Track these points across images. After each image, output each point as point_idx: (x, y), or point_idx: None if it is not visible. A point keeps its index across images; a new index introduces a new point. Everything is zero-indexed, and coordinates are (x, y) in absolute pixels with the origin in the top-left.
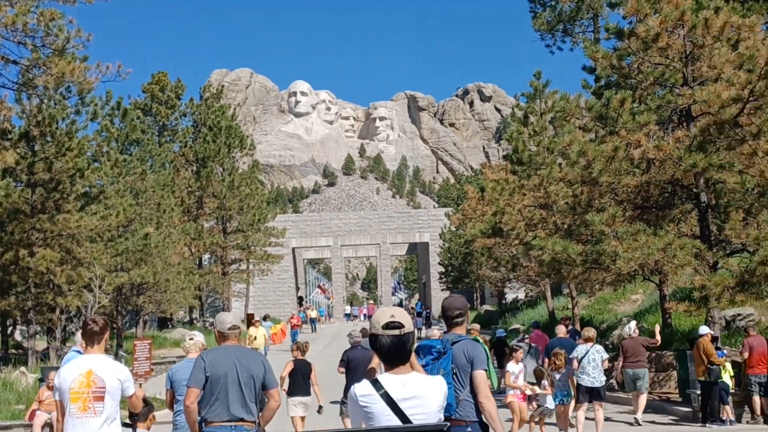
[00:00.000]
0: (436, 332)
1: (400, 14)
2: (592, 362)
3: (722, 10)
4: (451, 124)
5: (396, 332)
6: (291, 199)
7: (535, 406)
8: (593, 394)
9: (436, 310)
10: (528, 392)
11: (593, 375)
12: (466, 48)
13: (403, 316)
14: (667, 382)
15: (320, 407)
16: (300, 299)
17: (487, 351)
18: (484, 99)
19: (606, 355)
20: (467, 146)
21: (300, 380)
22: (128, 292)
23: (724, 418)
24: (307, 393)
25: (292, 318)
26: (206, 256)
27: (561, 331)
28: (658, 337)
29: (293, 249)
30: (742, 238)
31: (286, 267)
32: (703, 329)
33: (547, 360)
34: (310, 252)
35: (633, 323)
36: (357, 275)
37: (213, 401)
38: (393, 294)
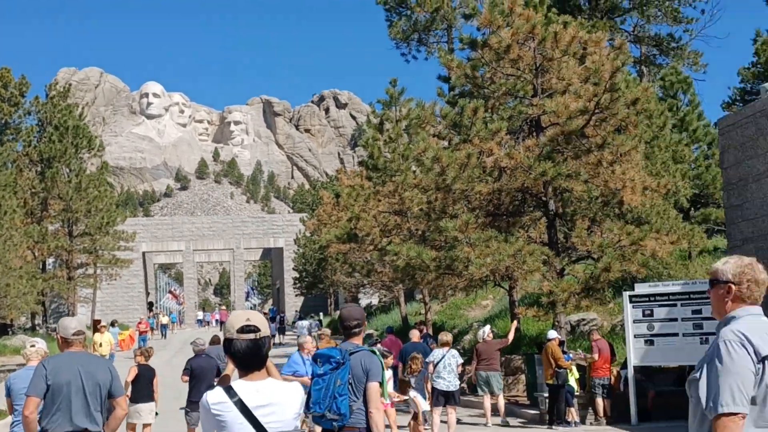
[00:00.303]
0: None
1: (255, 18)
2: (447, 366)
3: (570, 25)
4: (307, 130)
5: (251, 336)
6: (142, 202)
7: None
8: (448, 398)
9: (290, 315)
10: (395, 400)
11: (448, 379)
12: (322, 55)
13: (259, 320)
14: (516, 386)
15: (156, 413)
16: (150, 305)
17: (383, 362)
18: (340, 106)
19: (460, 360)
20: (322, 152)
21: (144, 386)
22: None
23: (569, 420)
24: (151, 399)
25: (140, 324)
26: (51, 260)
27: (415, 335)
28: (511, 335)
29: (144, 253)
30: (587, 246)
31: (135, 272)
32: (551, 334)
33: (401, 364)
34: (161, 256)
35: (487, 327)
36: (210, 281)
37: (54, 411)
38: (246, 299)
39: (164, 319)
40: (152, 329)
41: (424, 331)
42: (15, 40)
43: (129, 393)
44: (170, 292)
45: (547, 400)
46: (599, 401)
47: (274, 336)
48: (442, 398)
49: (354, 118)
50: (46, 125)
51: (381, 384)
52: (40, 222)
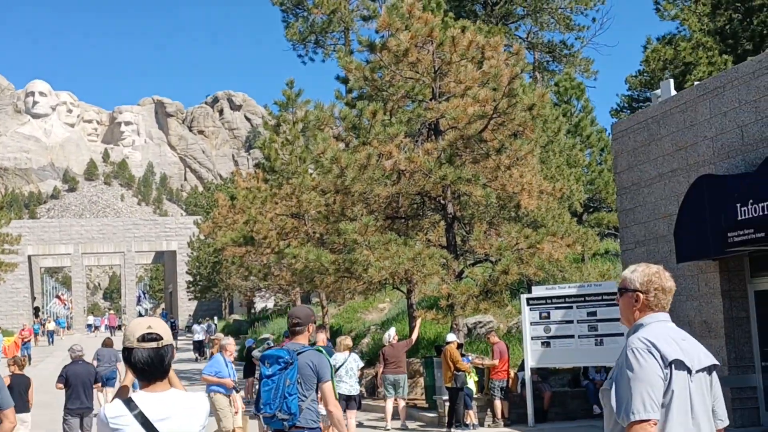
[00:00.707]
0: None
1: (147, 15)
2: (349, 371)
3: (468, 29)
4: (200, 132)
5: (153, 345)
6: (27, 204)
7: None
8: (349, 402)
9: (183, 319)
10: None
11: (350, 383)
12: (216, 55)
13: (162, 328)
14: (414, 389)
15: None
16: (36, 310)
17: (330, 361)
18: (234, 107)
19: (361, 363)
20: (216, 154)
21: (17, 397)
22: None
23: (467, 422)
24: (26, 410)
25: (22, 331)
26: None
27: (321, 338)
28: (415, 335)
29: (29, 257)
30: (486, 249)
31: (20, 276)
32: (450, 336)
33: None
34: (48, 260)
35: (393, 330)
36: (99, 284)
37: None
38: (138, 303)
39: (51, 325)
40: (37, 335)
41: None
42: None
43: None
44: (57, 296)
45: (446, 403)
46: (497, 403)
47: None
48: (344, 402)
49: (249, 120)
50: None
51: (332, 381)
52: None
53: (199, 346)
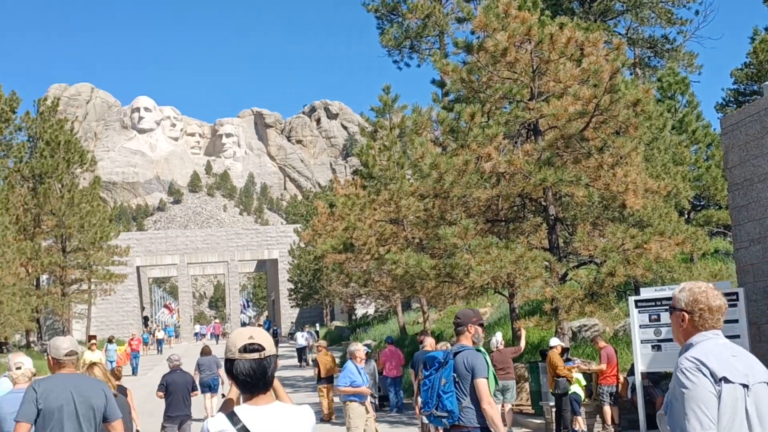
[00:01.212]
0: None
1: (245, 30)
2: None
3: (566, 26)
4: (299, 141)
5: (255, 356)
6: (135, 217)
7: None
8: None
9: (286, 327)
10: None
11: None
12: (313, 65)
13: (264, 338)
14: (520, 394)
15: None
16: (145, 319)
17: (488, 360)
18: (331, 116)
19: None
20: (315, 163)
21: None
22: None
23: (576, 428)
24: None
25: (131, 341)
26: (45, 277)
27: (430, 343)
28: (523, 342)
29: (138, 268)
30: (590, 250)
31: (130, 286)
32: (554, 341)
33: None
34: (155, 270)
35: (499, 335)
36: (204, 293)
37: None
38: (242, 312)
39: (159, 334)
40: (146, 344)
41: (423, 340)
42: (4, 58)
43: None
44: (166, 306)
45: (552, 409)
46: (606, 409)
47: None
48: None
49: (345, 128)
50: (38, 141)
51: (488, 380)
52: (32, 238)
53: (301, 353)
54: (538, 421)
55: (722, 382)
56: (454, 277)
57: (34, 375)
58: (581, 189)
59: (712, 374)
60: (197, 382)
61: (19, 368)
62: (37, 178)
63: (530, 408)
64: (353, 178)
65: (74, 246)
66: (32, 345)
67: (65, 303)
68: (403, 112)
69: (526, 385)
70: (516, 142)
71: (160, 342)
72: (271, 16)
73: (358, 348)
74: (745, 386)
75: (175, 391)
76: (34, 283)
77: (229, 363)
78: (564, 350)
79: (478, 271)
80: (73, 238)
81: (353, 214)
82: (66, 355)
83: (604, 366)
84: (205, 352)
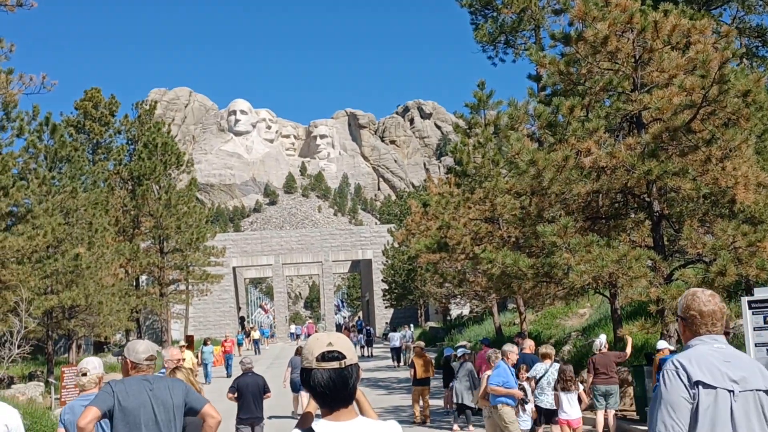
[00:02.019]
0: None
1: (338, 31)
2: (552, 382)
3: (671, 13)
4: (392, 142)
5: (335, 365)
6: (232, 218)
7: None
8: (550, 417)
9: (379, 327)
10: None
11: (552, 396)
12: (406, 65)
13: (344, 344)
14: (623, 399)
15: None
16: (242, 320)
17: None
18: (425, 116)
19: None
20: (408, 163)
21: None
22: (59, 315)
23: None
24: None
25: (225, 342)
26: (144, 277)
27: (529, 345)
28: (629, 349)
29: (234, 268)
30: (698, 248)
31: (226, 287)
32: (661, 344)
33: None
34: (251, 271)
35: (603, 338)
36: (300, 294)
37: None
38: (336, 312)
39: (255, 335)
40: (241, 345)
41: (521, 343)
42: (108, 64)
43: None
44: (261, 306)
45: None
46: None
47: (363, 348)
48: (545, 417)
49: (439, 127)
50: (136, 144)
51: None
52: (131, 239)
53: (396, 353)
54: (643, 428)
55: (698, 386)
56: (553, 276)
57: (101, 378)
58: (688, 182)
59: (688, 379)
60: (289, 381)
61: (84, 374)
62: (136, 181)
63: (635, 414)
64: (447, 177)
65: (172, 247)
66: None
67: (163, 303)
68: (499, 107)
69: (630, 390)
70: (617, 136)
71: (256, 342)
72: (363, 17)
73: (512, 349)
74: (731, 392)
75: (246, 394)
76: (134, 284)
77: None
78: (672, 353)
79: (578, 270)
80: (171, 239)
81: (447, 212)
82: (146, 359)
83: None
84: (299, 352)
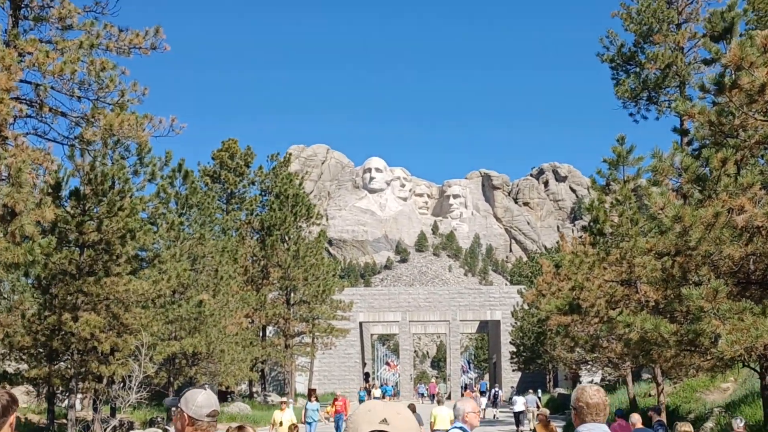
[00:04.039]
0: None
1: (472, 91)
2: None
3: None
4: (525, 204)
5: None
6: (363, 274)
7: None
8: None
9: (506, 391)
10: None
11: None
12: (541, 126)
13: (403, 425)
14: None
15: None
16: (366, 375)
17: None
18: (559, 179)
19: None
20: (541, 226)
21: None
22: (182, 362)
23: None
24: None
25: (336, 401)
26: (270, 328)
27: (636, 419)
28: None
29: (360, 323)
30: None
31: (352, 341)
32: None
33: None
34: (378, 327)
35: (741, 419)
36: (427, 353)
37: None
38: (462, 373)
39: (376, 392)
40: (361, 402)
41: (656, 418)
42: (249, 122)
43: None
44: (387, 363)
45: None
46: None
47: (485, 410)
48: None
49: (574, 191)
50: (268, 194)
51: None
52: (259, 289)
53: (518, 418)
54: None
55: None
56: (698, 345)
57: None
58: None
59: None
60: None
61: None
62: (266, 231)
63: None
64: (581, 236)
65: (298, 298)
66: (255, 395)
67: (287, 355)
68: (639, 164)
69: None
70: None
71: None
72: (499, 73)
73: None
74: None
75: None
76: (260, 334)
77: None
78: None
79: (728, 340)
80: (298, 290)
81: (581, 273)
82: (208, 415)
83: None
84: (411, 409)
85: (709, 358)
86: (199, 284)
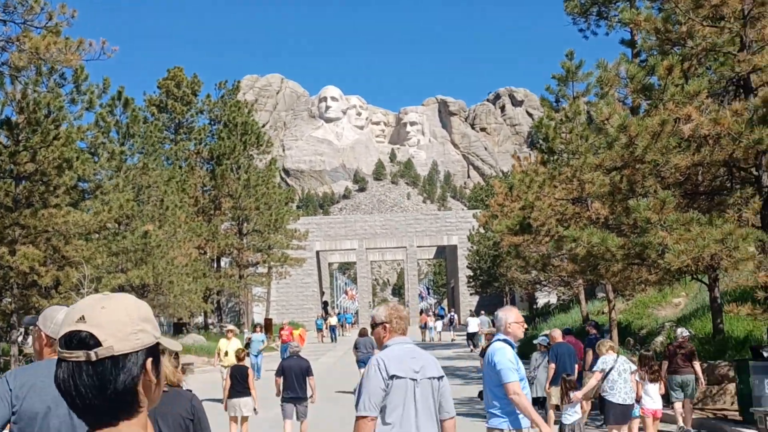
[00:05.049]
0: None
1: (429, 18)
2: (623, 373)
3: None
4: (483, 129)
5: (80, 356)
6: (321, 204)
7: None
8: (624, 413)
9: (464, 314)
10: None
11: (626, 390)
12: (497, 52)
13: (105, 316)
14: (722, 397)
15: (255, 409)
16: (325, 304)
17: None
18: (516, 103)
19: (633, 367)
20: (498, 151)
21: (237, 383)
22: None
23: None
24: (244, 395)
25: (282, 330)
26: (225, 259)
27: (557, 334)
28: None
29: (317, 252)
30: None
31: (309, 271)
32: None
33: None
34: (335, 255)
35: (684, 330)
36: (388, 281)
37: None
38: (422, 299)
39: (332, 320)
40: (319, 331)
41: (592, 332)
42: (201, 50)
43: (227, 391)
44: (346, 291)
45: (766, 419)
46: None
47: (440, 333)
48: (618, 414)
49: (531, 115)
50: (217, 123)
51: None
52: (210, 220)
53: (471, 339)
54: (749, 431)
55: (393, 378)
56: (646, 258)
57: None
58: None
59: (386, 371)
60: (355, 360)
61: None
62: (216, 160)
63: (737, 414)
64: (530, 153)
65: (251, 228)
66: (211, 327)
67: (242, 285)
68: (589, 79)
69: (730, 387)
70: (722, 102)
71: (333, 329)
72: (453, 5)
73: None
74: (414, 380)
75: (290, 375)
76: (215, 265)
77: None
78: None
79: (675, 251)
80: (251, 220)
81: (531, 192)
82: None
83: None
84: (362, 333)
85: (656, 270)
86: (145, 215)
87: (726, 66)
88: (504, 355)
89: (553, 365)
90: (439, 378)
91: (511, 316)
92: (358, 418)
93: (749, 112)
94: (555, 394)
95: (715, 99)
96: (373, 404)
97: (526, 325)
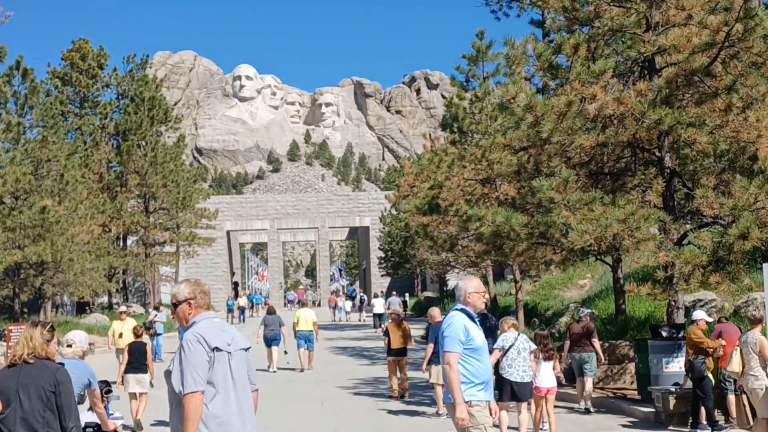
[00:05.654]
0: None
1: (341, 1)
2: (522, 351)
3: None
4: (398, 112)
5: None
6: (235, 184)
7: None
8: (523, 391)
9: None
10: None
11: (524, 368)
12: (413, 35)
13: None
14: (622, 377)
15: (151, 384)
16: (235, 285)
17: None
18: (431, 87)
19: (533, 346)
20: (413, 134)
21: (135, 360)
22: (27, 272)
23: (703, 421)
24: (141, 371)
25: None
26: (132, 238)
27: (436, 313)
28: (601, 354)
29: (228, 232)
30: (715, 209)
31: (219, 251)
32: (698, 314)
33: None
34: (246, 236)
35: (584, 309)
36: (301, 262)
37: None
38: (333, 280)
39: (241, 301)
40: (230, 311)
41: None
42: (112, 24)
43: (124, 366)
44: (256, 272)
45: (663, 397)
46: (731, 398)
47: (349, 314)
48: (516, 392)
49: (446, 98)
50: (124, 98)
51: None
52: (115, 197)
53: (377, 319)
54: (646, 409)
55: (215, 351)
56: (549, 237)
57: (85, 353)
58: (705, 134)
59: (208, 345)
60: (262, 338)
61: (69, 346)
62: (122, 136)
63: (636, 393)
64: (439, 134)
65: (158, 206)
66: (115, 307)
67: (148, 264)
68: (499, 59)
69: (630, 366)
70: (627, 82)
71: (241, 310)
72: None
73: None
74: (229, 353)
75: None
76: (121, 243)
77: None
78: (708, 324)
79: (578, 230)
80: (158, 198)
81: (440, 172)
82: None
83: (723, 342)
84: (270, 311)
85: (560, 250)
86: (44, 190)
87: (633, 48)
88: (453, 325)
89: (431, 344)
90: (247, 349)
91: (471, 286)
92: (186, 395)
93: (653, 93)
94: (435, 373)
95: (621, 79)
96: (201, 378)
97: (487, 295)
